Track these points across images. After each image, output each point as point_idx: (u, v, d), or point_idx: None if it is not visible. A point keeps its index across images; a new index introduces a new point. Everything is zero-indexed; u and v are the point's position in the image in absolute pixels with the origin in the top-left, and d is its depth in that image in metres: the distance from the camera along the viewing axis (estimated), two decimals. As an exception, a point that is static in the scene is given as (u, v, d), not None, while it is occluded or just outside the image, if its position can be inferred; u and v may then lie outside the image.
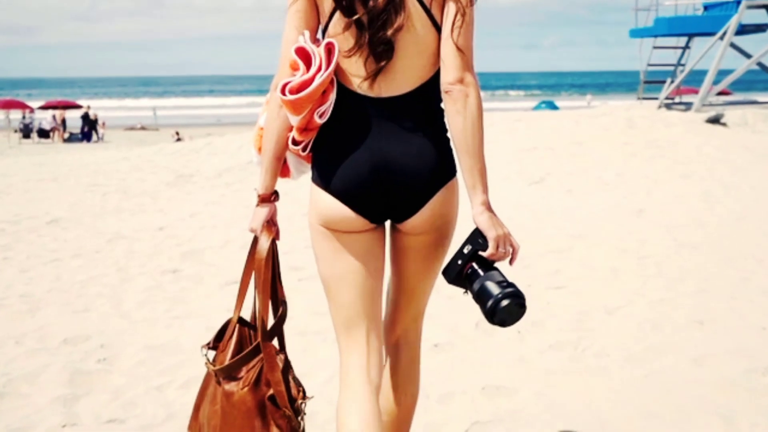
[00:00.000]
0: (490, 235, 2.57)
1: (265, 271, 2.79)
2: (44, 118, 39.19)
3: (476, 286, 2.54)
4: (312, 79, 2.57)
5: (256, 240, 2.86)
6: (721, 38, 19.97)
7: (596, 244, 8.14)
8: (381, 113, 2.65)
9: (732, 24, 19.60)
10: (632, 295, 6.28)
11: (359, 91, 2.67)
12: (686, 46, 22.71)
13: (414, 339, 3.13)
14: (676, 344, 5.13)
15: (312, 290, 6.40)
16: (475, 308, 5.76)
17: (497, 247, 2.57)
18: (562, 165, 13.66)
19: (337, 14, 2.62)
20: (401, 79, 2.65)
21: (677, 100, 23.27)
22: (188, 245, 8.30)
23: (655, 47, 22.92)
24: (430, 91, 2.69)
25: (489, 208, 2.61)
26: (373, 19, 2.56)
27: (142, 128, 46.88)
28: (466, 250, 2.63)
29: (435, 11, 2.61)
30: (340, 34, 2.62)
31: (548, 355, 5.00)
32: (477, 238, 2.61)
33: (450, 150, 2.74)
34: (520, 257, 7.62)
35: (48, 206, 11.01)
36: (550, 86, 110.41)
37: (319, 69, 2.58)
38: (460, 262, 2.63)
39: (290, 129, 2.70)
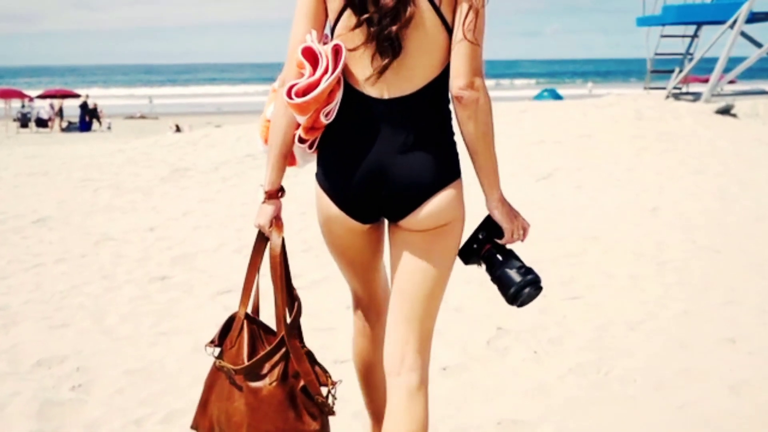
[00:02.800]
0: (506, 226, 2.74)
1: (280, 267, 2.83)
2: (42, 107, 38.82)
3: (496, 272, 2.70)
4: (318, 82, 2.58)
5: (260, 235, 2.90)
6: (732, 27, 19.47)
7: (611, 247, 7.69)
8: (385, 115, 2.65)
9: (743, 12, 19.08)
10: (654, 307, 5.83)
11: (365, 91, 2.66)
12: (695, 35, 22.20)
13: (420, 365, 2.87)
14: (708, 368, 4.67)
15: (310, 301, 5.94)
16: (486, 323, 5.34)
17: (511, 236, 2.75)
18: (570, 159, 13.17)
19: (347, 12, 2.61)
20: (408, 79, 2.64)
21: (684, 89, 22.80)
22: (179, 248, 7.85)
23: (662, 36, 22.42)
24: (435, 92, 2.68)
25: (502, 202, 2.75)
26: (382, 16, 2.54)
27: (142, 117, 46.51)
28: (481, 236, 2.75)
29: (445, 11, 2.59)
30: (349, 32, 2.61)
31: (569, 381, 4.54)
32: (492, 226, 2.75)
33: (454, 153, 2.75)
34: (533, 261, 7.22)
35: (36, 203, 10.54)
36: (553, 74, 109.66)
37: (326, 71, 2.58)
38: (475, 246, 2.76)
39: (297, 126, 2.72)
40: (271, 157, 2.82)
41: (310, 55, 2.61)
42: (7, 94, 41.71)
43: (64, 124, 37.62)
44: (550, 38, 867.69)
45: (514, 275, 2.68)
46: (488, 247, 2.74)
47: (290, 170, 3.26)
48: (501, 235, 2.73)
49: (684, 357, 4.85)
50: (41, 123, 37.19)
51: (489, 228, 2.75)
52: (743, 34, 19.97)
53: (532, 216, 9.09)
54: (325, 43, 2.66)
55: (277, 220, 2.87)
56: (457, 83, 2.59)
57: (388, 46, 2.57)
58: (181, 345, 5.13)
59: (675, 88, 21.39)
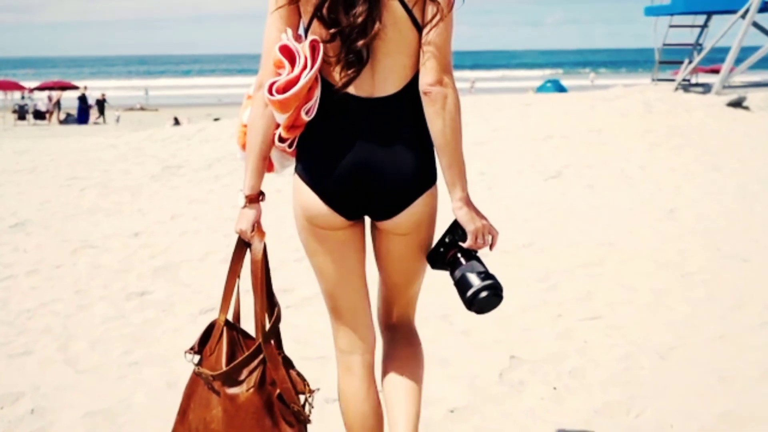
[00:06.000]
0: (469, 228, 2.71)
1: (262, 273, 2.81)
2: (41, 99, 38.40)
3: (457, 274, 2.69)
4: (298, 78, 2.59)
5: (240, 241, 2.88)
6: (743, 16, 18.86)
7: (629, 255, 7.10)
8: (367, 114, 2.69)
9: (755, 1, 18.46)
10: (684, 329, 5.24)
11: (346, 89, 2.68)
12: (704, 25, 21.59)
13: (409, 319, 3.12)
14: (753, 409, 4.05)
15: (300, 322, 5.41)
16: (498, 350, 4.75)
17: (476, 239, 2.72)
18: (579, 156, 12.52)
19: (315, 23, 2.64)
20: (386, 79, 2.68)
21: (693, 80, 22.19)
22: (163, 257, 7.26)
23: (671, 26, 21.83)
24: (415, 92, 2.70)
25: (467, 203, 2.73)
26: (351, 31, 2.58)
27: (142, 109, 46.10)
28: (447, 239, 2.76)
29: (417, 12, 2.63)
30: (323, 42, 2.65)
31: (596, 425, 3.93)
32: (457, 229, 2.74)
33: (434, 156, 2.77)
34: (546, 274, 6.65)
35: (17, 205, 9.95)
36: (556, 64, 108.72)
37: (305, 67, 2.60)
38: (442, 249, 2.78)
39: (276, 127, 2.74)
40: (250, 160, 2.81)
41: (287, 53, 2.62)
42: (4, 86, 41.20)
43: (62, 116, 37.11)
44: (552, 28, 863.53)
45: (473, 279, 2.66)
46: (453, 252, 2.75)
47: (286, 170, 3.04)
48: (465, 239, 2.73)
49: (725, 394, 4.25)
50: (39, 115, 36.73)
51: (456, 232, 2.76)
52: (755, 24, 19.36)
53: (542, 219, 8.60)
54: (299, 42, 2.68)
55: (258, 226, 2.85)
56: (426, 80, 2.64)
57: (354, 60, 2.61)
58: (154, 379, 4.54)
59: (684, 80, 20.78)
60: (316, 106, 2.68)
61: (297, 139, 2.78)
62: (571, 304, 5.78)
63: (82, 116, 36.48)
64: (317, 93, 2.66)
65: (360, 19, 2.55)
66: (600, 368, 4.62)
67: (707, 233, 7.95)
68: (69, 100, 40.14)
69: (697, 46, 21.52)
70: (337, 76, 2.65)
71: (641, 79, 31.77)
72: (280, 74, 2.64)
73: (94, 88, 44.71)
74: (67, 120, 36.66)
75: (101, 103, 38.31)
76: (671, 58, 23.35)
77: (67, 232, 8.39)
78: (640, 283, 6.25)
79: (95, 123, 36.28)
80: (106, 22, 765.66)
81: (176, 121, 31.88)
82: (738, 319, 5.42)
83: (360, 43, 2.57)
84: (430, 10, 2.61)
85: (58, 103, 37.65)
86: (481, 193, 9.98)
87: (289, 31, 2.65)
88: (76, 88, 40.33)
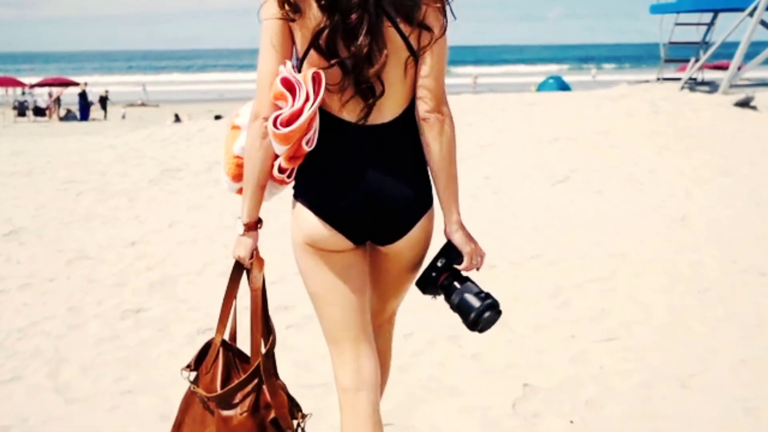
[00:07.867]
0: (465, 250, 2.79)
1: (260, 302, 2.82)
2: (41, 96, 38.21)
3: (456, 298, 2.72)
4: (301, 111, 2.58)
5: (237, 264, 2.89)
6: (751, 14, 18.58)
7: (642, 268, 6.85)
8: (368, 141, 2.70)
9: (763, -1, 18.18)
10: (704, 353, 5.00)
11: (343, 117, 2.70)
12: (711, 23, 21.31)
13: (389, 326, 3.24)
14: (785, 446, 3.84)
15: (301, 345, 5.18)
16: (510, 377, 4.50)
17: (471, 261, 2.79)
18: (587, 159, 12.24)
19: (312, 53, 2.63)
20: (385, 106, 2.70)
21: (699, 78, 21.91)
22: (160, 269, 7.02)
23: (677, 24, 21.54)
24: (410, 118, 2.75)
25: (462, 226, 2.81)
26: (358, 61, 2.58)
27: (143, 104, 45.90)
28: (440, 263, 2.79)
29: (413, 41, 2.66)
30: (322, 69, 2.63)
31: (616, 466, 3.71)
32: (451, 252, 2.79)
33: (429, 178, 2.81)
34: (557, 289, 6.41)
35: (12, 211, 9.71)
36: (558, 60, 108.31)
37: (307, 99, 2.59)
38: (434, 274, 2.79)
39: (274, 158, 2.72)
40: (248, 190, 2.80)
41: (288, 85, 2.60)
42: (4, 83, 40.97)
43: (63, 113, 36.86)
44: (553, 23, 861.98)
45: (474, 301, 2.70)
46: (446, 275, 2.77)
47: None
48: (459, 261, 2.79)
49: (752, 429, 4.01)
50: (39, 112, 36.52)
51: (447, 255, 2.79)
52: (763, 23, 19.08)
53: (551, 227, 8.33)
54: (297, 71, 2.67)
55: (257, 253, 2.86)
56: (424, 107, 2.70)
57: (367, 89, 2.63)
58: (148, 410, 4.30)
59: (690, 78, 20.51)
60: (316, 136, 2.68)
61: (296, 169, 2.79)
62: (585, 323, 5.54)
63: (82, 113, 36.23)
64: (316, 123, 2.66)
65: (365, 51, 2.57)
66: (618, 398, 4.37)
67: (721, 243, 7.71)
68: (70, 96, 39.91)
69: (704, 44, 21.24)
70: (349, 110, 2.68)
71: (645, 75, 31.51)
72: (279, 106, 2.63)
73: (95, 84, 44.50)
74: (68, 117, 36.42)
75: (104, 100, 38.12)
76: (677, 56, 23.06)
77: (61, 241, 8.16)
78: (655, 300, 6.01)
79: (94, 119, 35.98)
80: (107, 17, 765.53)
81: (177, 118, 31.63)
82: (760, 341, 5.18)
83: (371, 72, 2.59)
84: (426, 39, 2.66)
85: (58, 100, 37.43)
86: (486, 199, 9.75)
87: (288, 63, 2.65)
88: (76, 84, 40.02)
